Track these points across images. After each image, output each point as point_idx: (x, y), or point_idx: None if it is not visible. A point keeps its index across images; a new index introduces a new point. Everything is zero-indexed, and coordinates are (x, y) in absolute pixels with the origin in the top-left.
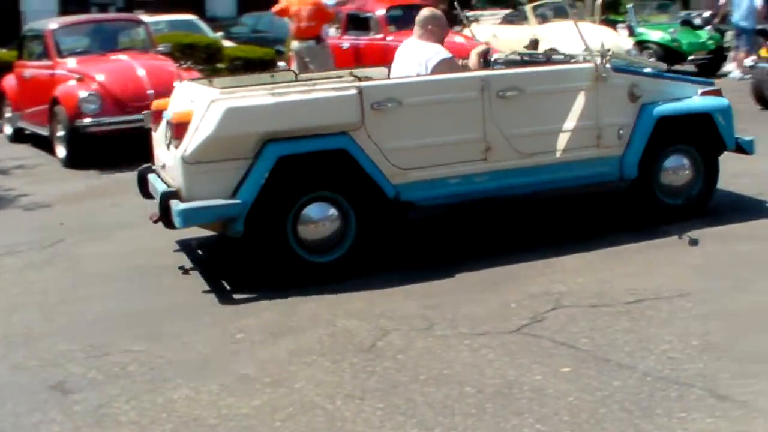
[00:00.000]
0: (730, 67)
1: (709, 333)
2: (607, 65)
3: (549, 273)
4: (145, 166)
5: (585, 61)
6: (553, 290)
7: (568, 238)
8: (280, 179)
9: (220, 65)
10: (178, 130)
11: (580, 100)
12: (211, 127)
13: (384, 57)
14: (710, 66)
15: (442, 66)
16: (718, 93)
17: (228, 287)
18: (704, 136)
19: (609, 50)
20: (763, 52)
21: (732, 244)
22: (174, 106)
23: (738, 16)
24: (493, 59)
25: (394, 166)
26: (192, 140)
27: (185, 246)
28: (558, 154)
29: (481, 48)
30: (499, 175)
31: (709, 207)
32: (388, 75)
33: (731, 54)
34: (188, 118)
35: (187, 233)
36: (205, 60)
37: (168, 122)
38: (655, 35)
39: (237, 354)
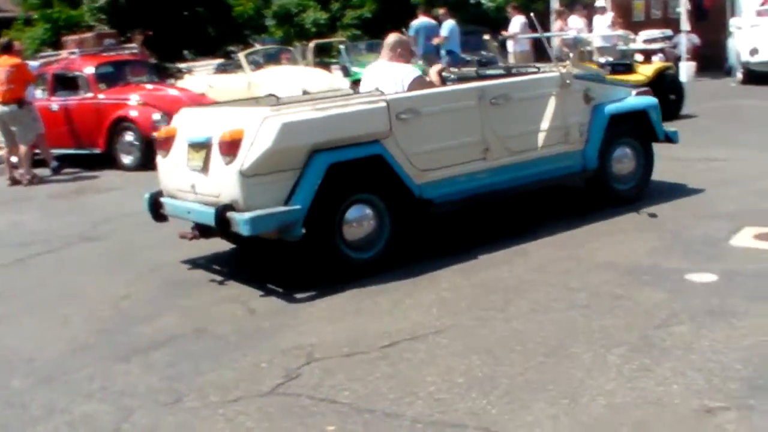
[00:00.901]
0: None
1: (472, 368)
2: (570, 73)
3: (296, 324)
4: (156, 191)
5: (551, 71)
6: (303, 343)
7: (310, 283)
8: (329, 185)
9: None
10: (231, 147)
11: (551, 104)
12: (269, 142)
13: (98, 116)
14: None
15: (416, 83)
16: (649, 93)
17: None
18: (642, 129)
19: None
20: None
21: (475, 273)
22: (202, 130)
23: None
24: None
25: (416, 168)
26: (249, 155)
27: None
28: (539, 151)
29: (438, 66)
30: (496, 171)
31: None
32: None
33: None
34: (240, 135)
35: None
36: None
37: (219, 142)
38: None
39: None
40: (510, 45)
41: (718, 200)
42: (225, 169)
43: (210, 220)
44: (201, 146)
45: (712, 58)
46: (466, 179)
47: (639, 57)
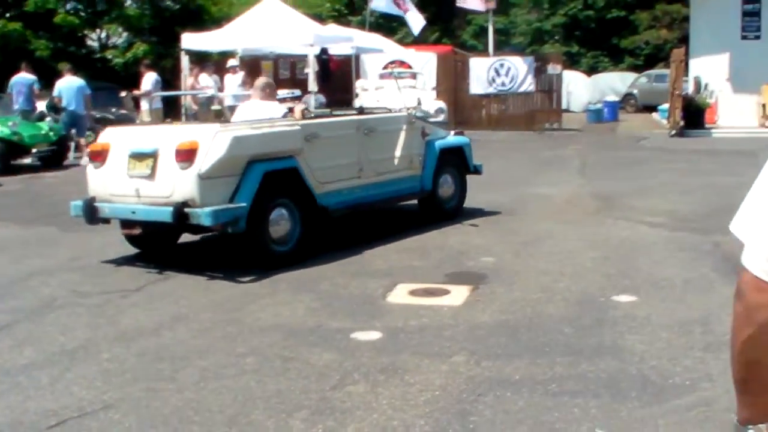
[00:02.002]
0: (78, 155)
1: None
2: (413, 113)
3: None
4: (90, 197)
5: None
6: None
7: None
8: (262, 189)
9: None
10: (188, 155)
11: (401, 137)
12: (223, 151)
13: None
14: (54, 157)
15: (288, 116)
16: (462, 134)
17: None
18: (459, 161)
19: (414, 106)
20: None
21: (136, 341)
22: (145, 142)
23: (68, 103)
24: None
25: (317, 180)
26: (205, 161)
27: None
28: (393, 173)
29: (302, 106)
30: (367, 187)
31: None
32: None
33: (74, 143)
34: (196, 146)
35: None
36: None
37: (176, 151)
38: None
39: None
40: (144, 102)
41: (369, 258)
42: (180, 174)
43: (162, 216)
44: (146, 156)
45: None
46: (347, 192)
47: None
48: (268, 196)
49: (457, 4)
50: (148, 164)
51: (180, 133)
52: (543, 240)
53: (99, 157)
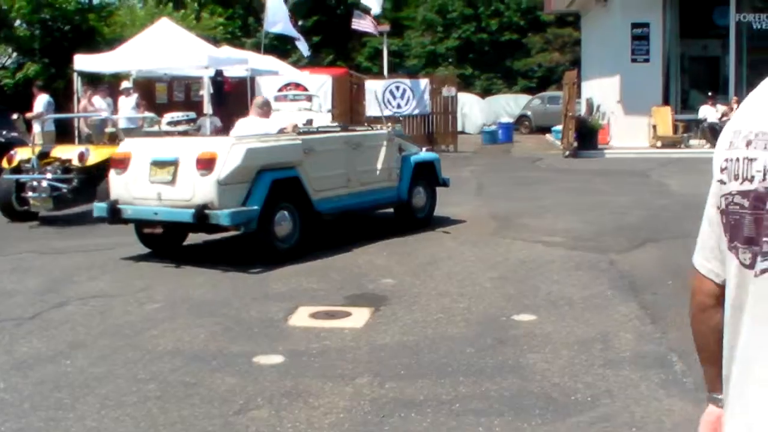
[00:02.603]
0: None
1: None
2: (392, 131)
3: None
4: (112, 200)
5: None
6: None
7: None
8: (270, 194)
9: None
10: (208, 164)
11: (382, 152)
12: (238, 160)
13: None
14: None
15: (279, 133)
16: (432, 150)
17: None
18: (430, 175)
19: (394, 125)
20: (4, 163)
21: (33, 369)
22: (166, 152)
23: None
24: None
25: (313, 188)
26: (223, 169)
27: None
28: (375, 184)
29: (294, 123)
30: (353, 195)
31: None
32: None
33: None
34: (215, 156)
35: None
36: None
37: (197, 160)
38: None
39: None
40: (36, 125)
41: (269, 281)
42: (201, 180)
43: (184, 217)
44: (167, 164)
45: None
46: (337, 199)
47: None
48: (274, 201)
49: (352, 27)
50: (169, 171)
51: (200, 144)
52: (442, 261)
53: (121, 164)
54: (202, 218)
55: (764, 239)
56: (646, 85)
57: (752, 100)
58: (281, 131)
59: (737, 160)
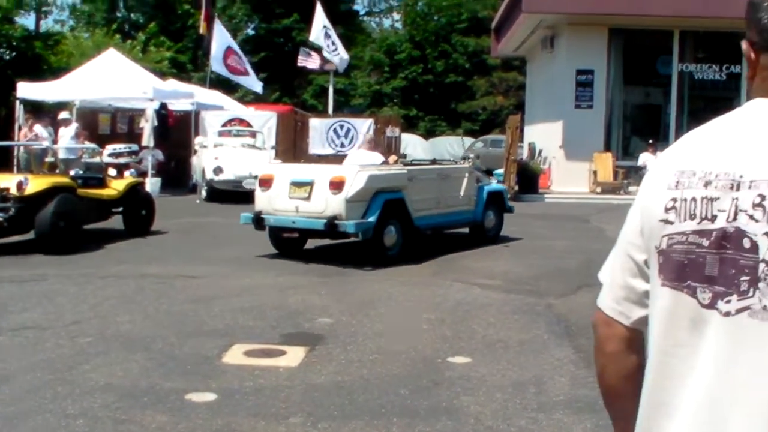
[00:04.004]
0: None
1: None
2: (473, 165)
3: None
4: (257, 211)
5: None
6: None
7: None
8: (383, 211)
9: None
10: (339, 185)
11: (464, 182)
12: (362, 183)
13: None
14: None
15: (383, 165)
16: (501, 183)
17: None
18: (499, 202)
19: (473, 160)
20: None
21: None
22: (303, 175)
23: None
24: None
25: (414, 209)
26: (350, 189)
27: None
28: (458, 207)
29: (395, 157)
30: (442, 215)
31: None
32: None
33: None
34: (344, 179)
35: None
36: None
37: (330, 181)
38: None
39: None
40: None
41: (204, 317)
42: (332, 197)
43: (317, 226)
44: (305, 184)
45: (176, 175)
46: (430, 217)
47: (112, 171)
48: (385, 216)
49: (298, 64)
50: (306, 190)
51: (331, 170)
52: (380, 301)
53: (266, 183)
54: (332, 227)
55: (743, 278)
56: (589, 131)
57: (697, 141)
58: (385, 162)
59: (692, 200)
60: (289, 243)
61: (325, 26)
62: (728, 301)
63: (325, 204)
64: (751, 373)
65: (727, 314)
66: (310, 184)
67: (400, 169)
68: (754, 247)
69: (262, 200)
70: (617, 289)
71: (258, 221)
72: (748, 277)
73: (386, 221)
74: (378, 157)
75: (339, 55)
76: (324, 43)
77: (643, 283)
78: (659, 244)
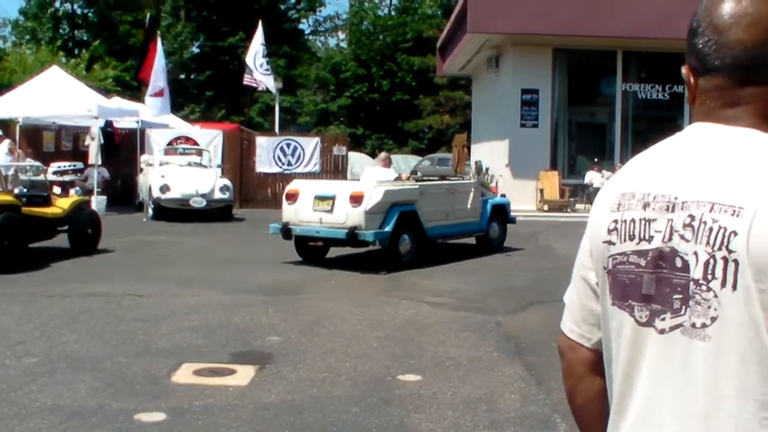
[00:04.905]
0: None
1: None
2: (478, 181)
3: None
4: (284, 222)
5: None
6: None
7: None
8: (398, 222)
9: None
10: (358, 199)
11: (470, 196)
12: (379, 197)
13: None
14: None
15: (397, 180)
16: (504, 196)
17: None
18: (503, 214)
19: (479, 176)
20: None
21: None
22: (326, 190)
23: None
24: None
25: (425, 219)
26: (369, 203)
27: None
28: (465, 219)
29: (407, 174)
30: (450, 226)
31: None
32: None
33: None
34: (362, 194)
35: None
36: None
37: (350, 196)
38: None
39: None
40: None
41: (152, 337)
42: (352, 210)
43: (339, 235)
44: (327, 198)
45: (122, 193)
46: (439, 228)
47: (57, 189)
48: (400, 227)
49: (244, 82)
50: (328, 203)
51: (351, 186)
52: (329, 319)
53: (292, 197)
54: (353, 236)
55: (675, 296)
56: (535, 150)
57: (639, 164)
58: (398, 179)
59: (632, 221)
60: (313, 251)
61: (262, 44)
62: (663, 319)
63: (346, 216)
64: (681, 388)
65: (662, 331)
66: (333, 198)
67: (412, 184)
68: (686, 266)
69: (289, 212)
70: (576, 312)
71: (285, 231)
72: (680, 296)
73: (401, 231)
74: (392, 174)
75: (272, 77)
76: (257, 64)
77: (598, 305)
78: (606, 264)
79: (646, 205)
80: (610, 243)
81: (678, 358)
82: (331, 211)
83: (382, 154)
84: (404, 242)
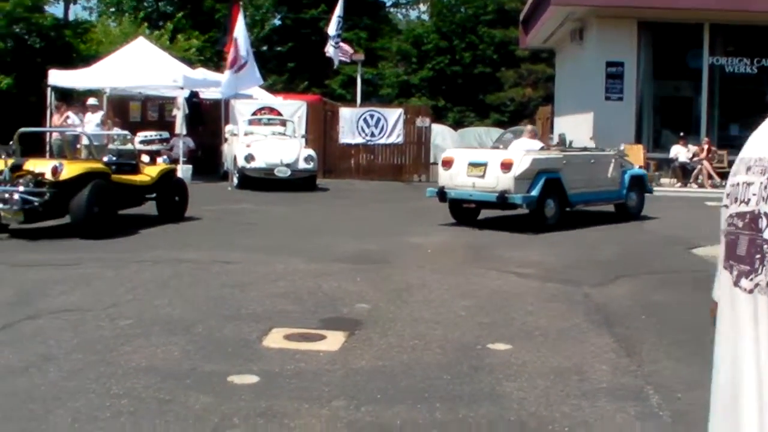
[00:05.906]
0: None
1: None
2: (618, 152)
3: None
4: (441, 186)
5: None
6: None
7: None
8: (544, 187)
9: None
10: (508, 166)
11: (611, 166)
12: (527, 164)
13: None
14: None
15: (542, 149)
16: (642, 167)
17: None
18: (640, 184)
19: (619, 148)
20: None
21: None
22: (479, 157)
23: None
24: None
25: (569, 186)
26: (517, 169)
27: None
28: (605, 186)
29: (553, 144)
30: (592, 193)
31: None
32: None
33: None
34: (512, 161)
35: None
36: None
37: (501, 163)
38: None
39: None
40: None
41: (241, 302)
42: (503, 175)
43: (490, 198)
44: (480, 165)
45: (207, 162)
46: (581, 194)
47: (145, 158)
48: (546, 192)
49: (326, 55)
50: (481, 169)
51: (502, 154)
52: (416, 288)
53: (448, 164)
54: (503, 199)
55: (757, 256)
56: (619, 123)
57: (758, 130)
58: (543, 148)
59: (738, 185)
60: (467, 213)
61: (339, 17)
62: (750, 279)
63: (497, 181)
64: (754, 343)
65: (750, 291)
66: (485, 164)
67: (557, 154)
68: (765, 226)
69: (444, 177)
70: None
71: (441, 195)
72: (759, 255)
73: (546, 196)
74: (538, 144)
75: (338, 50)
76: (334, 34)
77: None
78: (723, 226)
79: (748, 169)
80: (726, 207)
81: (763, 315)
82: (483, 176)
83: (529, 127)
84: (549, 206)
